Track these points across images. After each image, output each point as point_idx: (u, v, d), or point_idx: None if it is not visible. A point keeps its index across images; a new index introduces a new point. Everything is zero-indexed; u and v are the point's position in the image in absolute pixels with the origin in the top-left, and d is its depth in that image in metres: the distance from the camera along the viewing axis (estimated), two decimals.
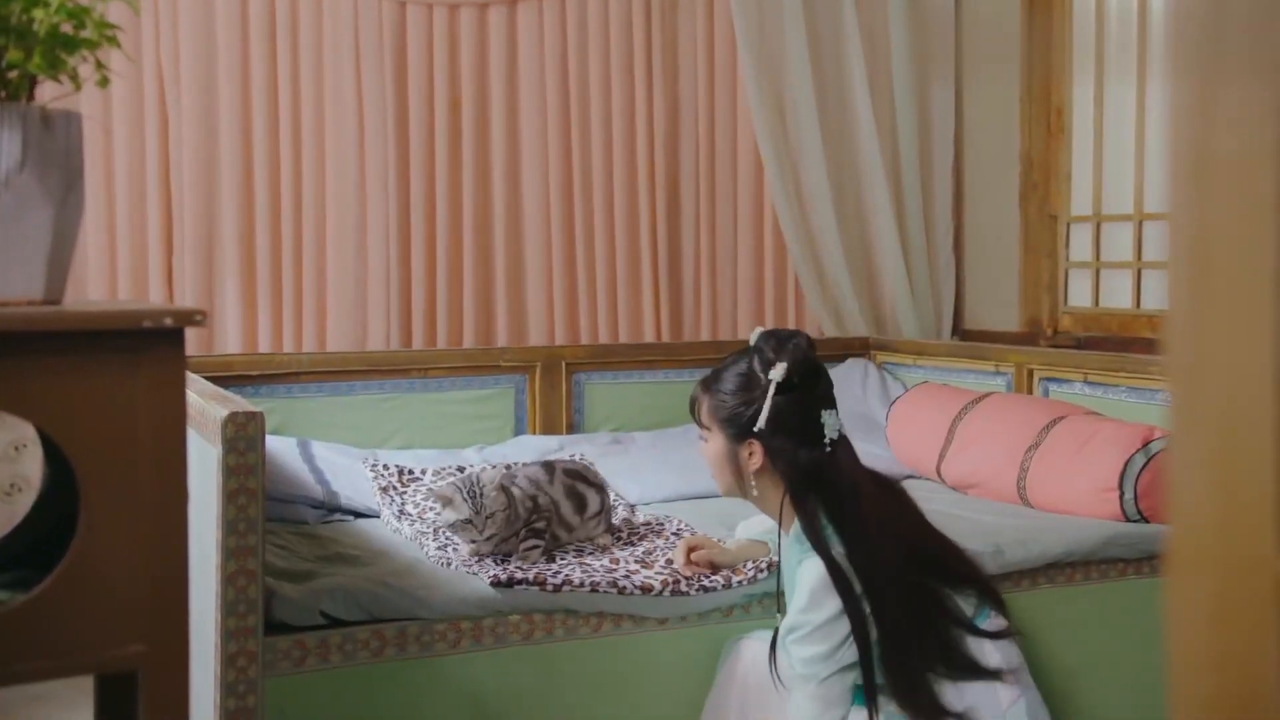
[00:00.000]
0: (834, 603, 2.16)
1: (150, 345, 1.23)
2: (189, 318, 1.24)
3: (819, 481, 2.23)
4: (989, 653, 2.33)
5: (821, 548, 2.19)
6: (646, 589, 2.44)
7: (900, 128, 4.44)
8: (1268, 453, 0.58)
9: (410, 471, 3.21)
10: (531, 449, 3.55)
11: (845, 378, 4.15)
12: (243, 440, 2.11)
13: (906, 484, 3.57)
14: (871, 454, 3.70)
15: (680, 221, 4.51)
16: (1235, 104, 0.60)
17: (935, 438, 3.52)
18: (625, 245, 4.37)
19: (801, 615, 2.19)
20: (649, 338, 4.33)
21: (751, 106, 4.32)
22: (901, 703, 2.21)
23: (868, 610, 2.18)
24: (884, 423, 3.83)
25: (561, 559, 2.57)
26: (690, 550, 2.53)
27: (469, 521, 2.44)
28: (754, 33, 4.29)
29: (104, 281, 3.82)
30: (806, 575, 2.20)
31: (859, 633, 2.16)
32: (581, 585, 2.40)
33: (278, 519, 2.94)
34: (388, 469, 3.18)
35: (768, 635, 2.37)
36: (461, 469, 3.28)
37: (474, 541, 2.48)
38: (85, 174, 4.20)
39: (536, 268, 4.26)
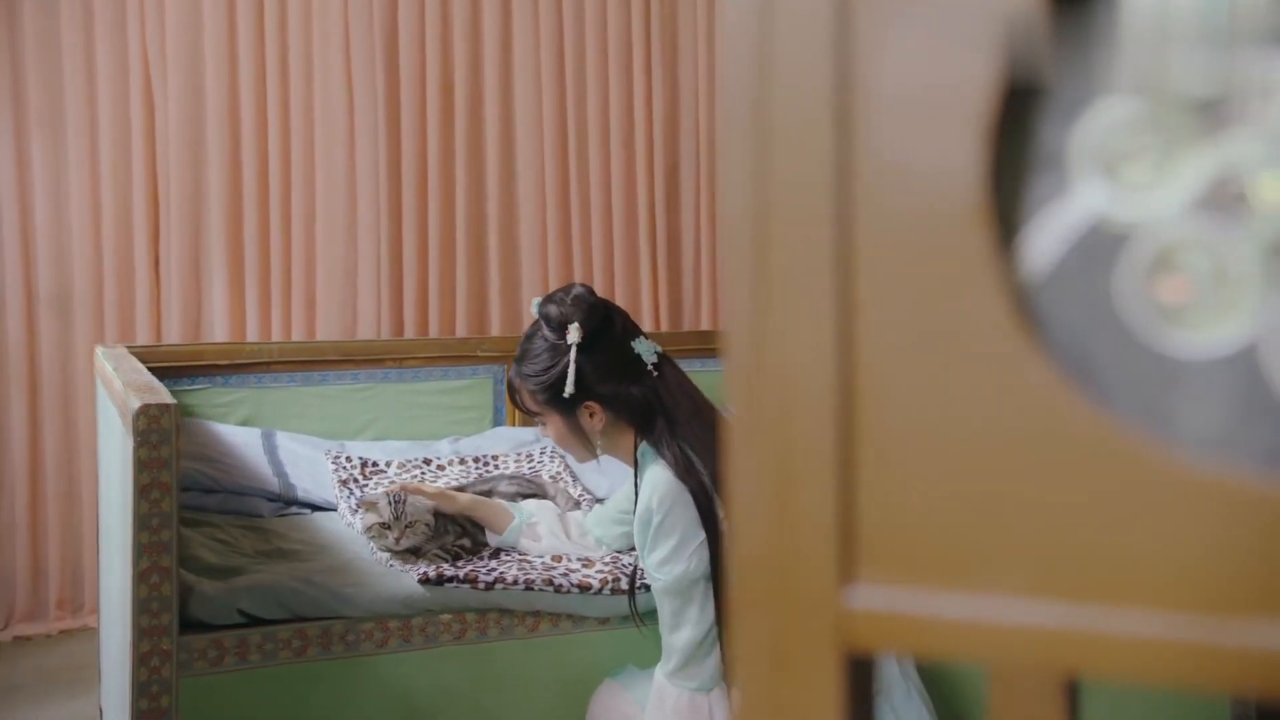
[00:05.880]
0: (683, 499, 2.12)
1: None
2: None
3: (660, 405, 2.23)
4: None
5: (673, 459, 2.16)
6: (584, 587, 2.36)
7: None
8: (828, 481, 0.49)
9: (375, 464, 3.15)
10: (507, 440, 3.48)
11: None
12: (155, 433, 2.06)
13: None
14: None
15: (680, 208, 4.41)
16: (783, 72, 0.52)
17: None
18: (623, 232, 4.28)
19: (653, 515, 2.14)
20: (647, 326, 4.23)
21: None
22: None
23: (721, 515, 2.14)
24: None
25: (506, 556, 2.50)
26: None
27: (386, 526, 2.38)
28: None
29: (89, 270, 3.80)
30: (652, 476, 2.17)
31: (711, 534, 2.12)
32: (515, 583, 2.33)
33: (231, 511, 2.90)
34: (350, 461, 3.12)
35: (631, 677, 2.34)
36: (428, 461, 3.22)
37: (387, 549, 2.41)
38: (70, 159, 4.10)
39: (531, 255, 4.19)
